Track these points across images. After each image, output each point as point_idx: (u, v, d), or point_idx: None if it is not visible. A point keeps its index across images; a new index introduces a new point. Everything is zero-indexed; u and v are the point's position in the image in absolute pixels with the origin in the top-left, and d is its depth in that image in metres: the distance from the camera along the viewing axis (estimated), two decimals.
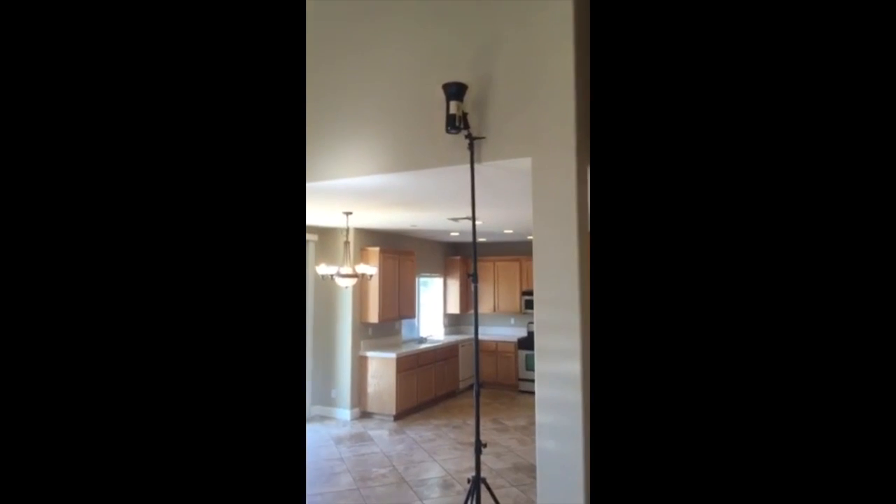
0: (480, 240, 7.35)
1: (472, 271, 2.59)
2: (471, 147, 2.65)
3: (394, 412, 5.51)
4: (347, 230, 4.67)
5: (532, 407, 6.25)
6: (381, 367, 5.63)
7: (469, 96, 2.68)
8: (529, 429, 5.26)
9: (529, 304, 7.29)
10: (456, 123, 2.60)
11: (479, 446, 2.62)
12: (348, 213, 4.51)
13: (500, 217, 4.85)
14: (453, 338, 7.15)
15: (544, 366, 2.43)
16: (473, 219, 2.59)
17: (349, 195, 3.60)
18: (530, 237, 7.02)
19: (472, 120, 2.68)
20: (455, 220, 5.01)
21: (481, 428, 5.22)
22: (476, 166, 2.71)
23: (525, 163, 2.63)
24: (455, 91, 2.61)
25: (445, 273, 7.76)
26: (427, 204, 3.98)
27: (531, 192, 2.56)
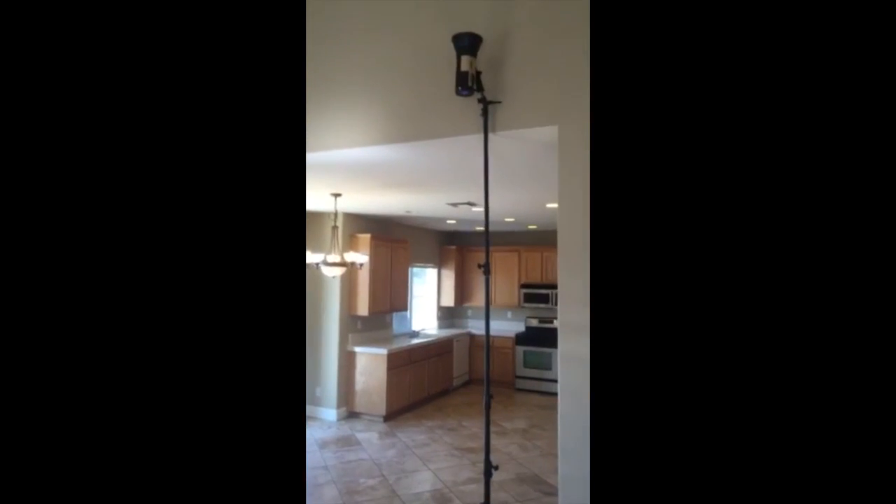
0: (478, 229, 6.93)
1: (483, 262, 2.18)
2: (484, 113, 2.22)
3: (384, 412, 5.10)
4: (336, 214, 4.22)
5: (531, 407, 5.89)
6: (371, 363, 5.20)
7: (483, 53, 2.24)
8: (531, 432, 4.89)
9: (529, 298, 6.91)
10: (468, 83, 2.16)
11: (489, 468, 2.21)
12: (337, 195, 4.05)
13: (503, 202, 4.42)
14: (447, 332, 6.75)
15: (570, 376, 2.02)
16: (486, 199, 2.17)
17: (338, 171, 3.15)
18: (532, 227, 6.61)
19: (486, 81, 2.24)
20: (454, 205, 4.58)
21: (478, 430, 4.84)
22: (489, 136, 2.28)
23: (549, 132, 2.20)
24: (468, 44, 2.17)
25: (440, 263, 7.33)
26: (426, 184, 3.54)
27: (557, 168, 2.13)
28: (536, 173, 3.04)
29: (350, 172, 3.16)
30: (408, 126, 2.45)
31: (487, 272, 2.20)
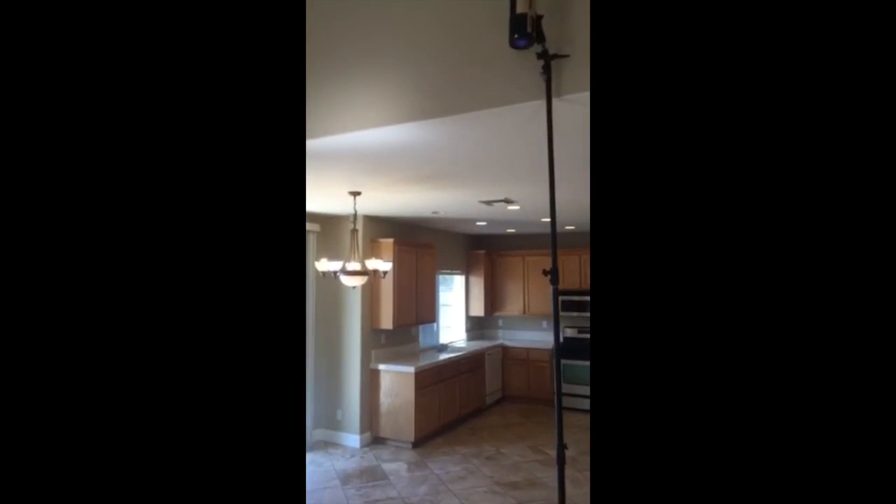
0: (509, 231, 6.37)
1: (549, 268, 1.66)
2: (546, 70, 1.68)
3: (412, 438, 4.55)
4: (355, 216, 3.73)
5: (576, 429, 5.28)
6: (397, 382, 4.67)
7: None
8: (580, 460, 4.28)
9: (565, 306, 6.31)
10: (527, 29, 1.63)
11: None
12: (356, 194, 3.55)
13: (545, 197, 3.85)
14: (478, 344, 6.18)
15: None
16: (552, 183, 1.63)
17: (358, 162, 2.63)
18: (569, 227, 6.03)
19: (549, 29, 1.70)
20: (488, 203, 4.03)
21: (519, 458, 4.25)
22: (553, 103, 1.74)
23: None
24: None
25: (468, 270, 6.79)
26: (461, 176, 3.00)
27: None
28: None
29: (372, 163, 2.64)
30: (443, 96, 1.92)
31: (556, 282, 1.66)
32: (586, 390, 5.90)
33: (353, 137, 2.20)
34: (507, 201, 3.93)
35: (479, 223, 5.46)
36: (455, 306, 6.75)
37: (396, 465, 4.16)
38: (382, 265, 3.81)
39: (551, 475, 3.98)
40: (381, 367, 4.75)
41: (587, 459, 4.30)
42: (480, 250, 6.75)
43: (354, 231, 3.73)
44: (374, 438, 4.77)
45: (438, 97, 1.93)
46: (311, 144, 2.30)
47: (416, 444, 4.63)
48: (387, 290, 4.79)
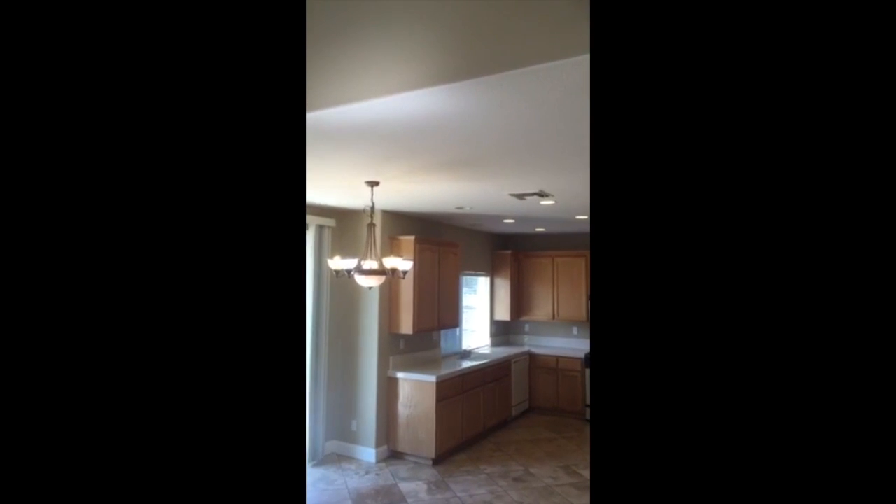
0: (538, 230, 5.95)
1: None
2: None
3: (432, 454, 4.17)
4: (372, 209, 3.38)
5: None
6: (417, 392, 4.30)
7: None
8: None
9: None
10: None
11: None
12: (373, 184, 3.20)
13: (585, 187, 3.44)
14: (503, 351, 5.78)
15: None
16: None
17: (374, 141, 2.27)
18: None
19: None
20: (520, 196, 3.63)
21: (551, 481, 3.82)
22: None
23: None
24: None
25: (493, 271, 6.38)
26: (492, 161, 2.61)
27: None
28: None
29: (390, 143, 2.28)
30: (475, 51, 1.54)
31: None
32: None
33: (367, 109, 1.83)
34: (542, 194, 3.53)
35: (506, 221, 5.06)
36: (479, 310, 6.36)
37: (415, 485, 3.78)
38: (402, 264, 3.44)
39: (587, 501, 3.54)
40: (400, 374, 4.39)
41: None
42: (507, 250, 6.34)
43: (371, 226, 3.38)
44: (392, 453, 4.40)
45: (468, 52, 1.55)
46: (317, 117, 1.94)
47: (437, 461, 4.24)
48: (406, 291, 4.43)
